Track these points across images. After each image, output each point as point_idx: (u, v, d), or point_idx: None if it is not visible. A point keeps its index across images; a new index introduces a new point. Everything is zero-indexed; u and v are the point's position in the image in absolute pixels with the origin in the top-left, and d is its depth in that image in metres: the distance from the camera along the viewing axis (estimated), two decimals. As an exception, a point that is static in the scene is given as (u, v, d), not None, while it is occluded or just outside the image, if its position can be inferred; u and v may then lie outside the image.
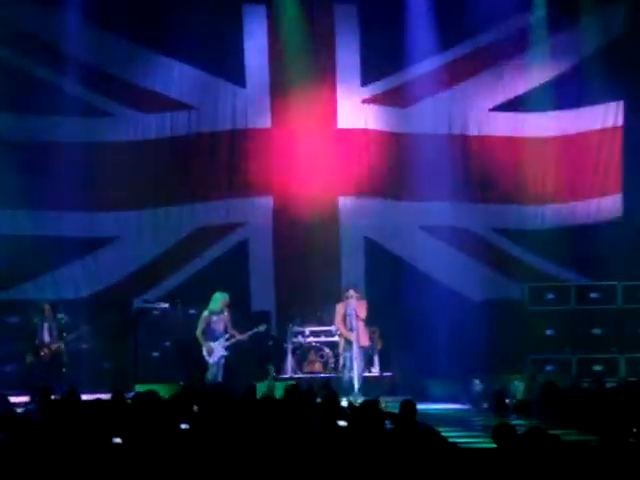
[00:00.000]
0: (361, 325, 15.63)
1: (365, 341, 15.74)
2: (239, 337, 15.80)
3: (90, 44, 18.82)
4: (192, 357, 17.22)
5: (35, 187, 18.51)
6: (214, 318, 15.83)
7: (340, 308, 15.77)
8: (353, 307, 15.55)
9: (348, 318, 15.56)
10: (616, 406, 12.34)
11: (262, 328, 16.24)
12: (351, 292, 15.66)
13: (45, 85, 18.60)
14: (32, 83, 18.53)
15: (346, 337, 15.61)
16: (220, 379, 15.57)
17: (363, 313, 15.61)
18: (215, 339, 15.74)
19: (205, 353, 15.75)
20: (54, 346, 15.95)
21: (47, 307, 16.25)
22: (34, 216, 18.70)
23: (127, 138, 19.20)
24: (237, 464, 6.53)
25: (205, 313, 15.87)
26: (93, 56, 18.85)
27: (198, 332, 15.82)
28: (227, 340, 15.74)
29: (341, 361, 16.56)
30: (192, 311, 17.43)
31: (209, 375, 15.61)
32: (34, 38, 18.57)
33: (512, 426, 7.07)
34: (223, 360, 15.76)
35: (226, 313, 15.89)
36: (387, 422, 8.75)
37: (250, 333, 15.93)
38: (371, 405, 8.28)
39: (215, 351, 15.70)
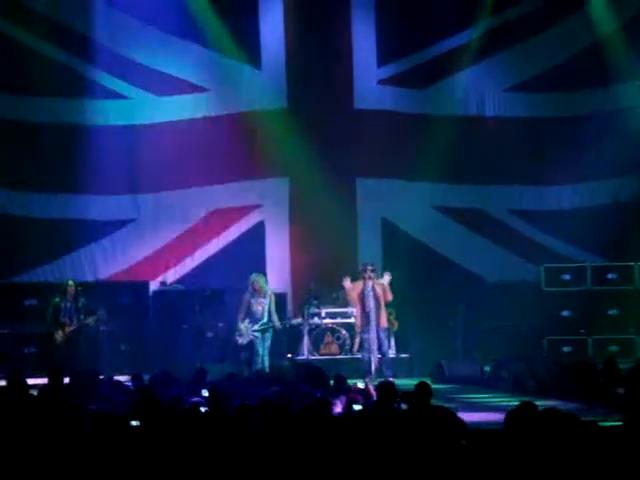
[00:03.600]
0: (382, 306, 15.52)
1: (384, 322, 15.64)
2: (274, 324, 15.64)
3: (105, 27, 18.79)
4: (208, 339, 17.32)
5: (51, 170, 18.55)
6: (252, 301, 15.54)
7: (358, 288, 15.67)
8: (371, 287, 15.48)
9: (365, 299, 15.50)
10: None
11: (295, 322, 16.72)
12: (369, 272, 15.56)
13: (60, 68, 18.58)
14: (48, 66, 18.50)
15: (361, 316, 15.51)
16: (267, 364, 15.35)
17: (387, 294, 15.45)
18: (255, 322, 15.59)
19: (237, 334, 15.65)
20: (70, 328, 15.98)
21: (72, 286, 16.22)
22: (51, 199, 18.74)
23: (143, 121, 19.19)
24: (252, 447, 6.55)
25: (245, 295, 15.77)
26: (108, 39, 18.82)
27: (239, 313, 15.64)
28: (261, 326, 15.58)
29: (358, 342, 16.55)
30: (208, 294, 17.46)
31: (256, 364, 15.30)
32: (50, 20, 18.56)
33: (535, 406, 7.03)
34: (267, 343, 15.59)
35: (268, 297, 15.61)
36: (401, 403, 8.78)
37: (284, 322, 15.97)
38: (386, 387, 8.30)
39: (244, 334, 15.54)
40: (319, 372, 12.45)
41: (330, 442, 6.63)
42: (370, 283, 15.48)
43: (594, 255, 18.87)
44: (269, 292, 15.74)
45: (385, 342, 15.55)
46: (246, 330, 15.47)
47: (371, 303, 15.42)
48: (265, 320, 15.49)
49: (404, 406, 8.93)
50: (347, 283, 15.64)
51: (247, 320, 15.51)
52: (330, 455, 6.31)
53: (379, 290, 15.46)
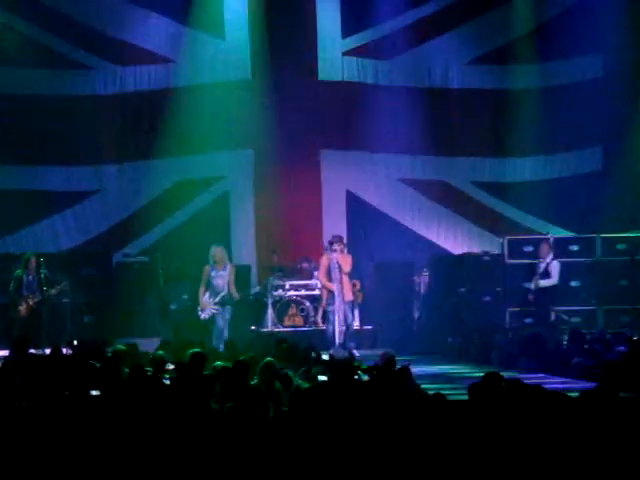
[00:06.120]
0: (345, 279, 15.57)
1: (349, 295, 15.67)
2: (233, 297, 15.46)
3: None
4: (171, 311, 17.27)
5: (13, 141, 18.40)
6: (212, 273, 15.37)
7: (324, 260, 15.72)
8: (336, 260, 15.52)
9: (332, 272, 15.54)
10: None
11: (254, 292, 16.52)
12: (335, 245, 15.60)
13: (21, 37, 18.42)
14: (9, 36, 18.33)
15: (328, 288, 15.57)
16: (226, 334, 15.18)
17: (347, 266, 15.54)
18: (216, 295, 15.46)
19: (199, 309, 15.50)
20: (33, 300, 15.87)
21: (33, 259, 16.10)
22: (13, 170, 18.61)
23: (106, 91, 19.05)
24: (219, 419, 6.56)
25: (205, 267, 15.59)
26: (70, 8, 18.64)
27: (201, 286, 15.50)
28: (221, 298, 15.44)
29: (322, 314, 16.59)
30: (172, 266, 17.41)
31: (214, 340, 15.04)
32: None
33: (500, 377, 7.10)
34: (227, 316, 15.43)
35: (229, 269, 15.45)
36: (361, 374, 8.84)
37: (243, 294, 15.88)
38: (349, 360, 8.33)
39: (206, 308, 15.39)
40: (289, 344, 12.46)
41: (293, 413, 6.66)
42: (335, 256, 15.52)
43: (556, 227, 18.99)
44: (229, 264, 15.65)
45: (349, 314, 15.61)
46: (207, 304, 15.37)
47: (336, 276, 15.47)
48: (225, 292, 15.36)
49: (365, 377, 9.00)
50: (323, 257, 15.76)
51: (208, 294, 15.40)
52: (292, 426, 6.33)
53: (343, 263, 15.52)
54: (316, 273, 17.16)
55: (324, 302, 15.92)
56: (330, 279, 15.50)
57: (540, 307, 16.79)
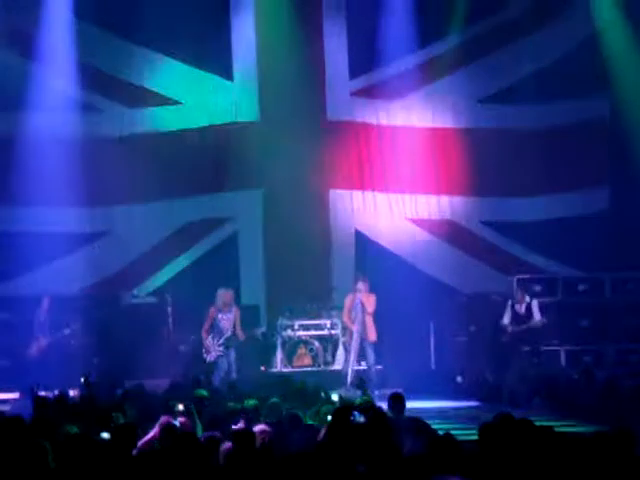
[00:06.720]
0: (369, 319, 15.55)
1: (372, 336, 15.63)
2: (238, 338, 15.51)
3: (76, 38, 18.74)
4: (180, 353, 17.26)
5: (23, 183, 18.47)
6: (219, 315, 15.45)
7: (348, 301, 15.76)
8: (359, 299, 15.53)
9: (353, 311, 15.55)
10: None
11: (258, 332, 16.62)
12: (360, 285, 15.63)
13: (32, 80, 18.54)
14: (18, 78, 18.44)
15: (348, 328, 15.60)
16: (234, 375, 15.24)
17: (371, 306, 15.52)
18: (220, 337, 15.47)
19: (204, 350, 15.53)
20: (44, 341, 15.92)
21: (46, 300, 16.12)
22: (22, 212, 18.66)
23: (115, 133, 19.15)
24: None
25: (211, 308, 15.65)
26: (79, 51, 18.77)
27: (204, 328, 15.58)
28: (225, 340, 15.47)
29: (343, 353, 16.54)
30: (182, 306, 17.42)
31: (216, 379, 15.09)
32: (20, 32, 18.52)
33: (511, 417, 7.08)
34: (232, 355, 15.46)
35: (234, 311, 15.54)
36: (357, 414, 8.82)
37: (247, 335, 15.90)
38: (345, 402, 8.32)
39: (212, 349, 15.41)
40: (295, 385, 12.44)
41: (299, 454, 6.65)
42: (358, 295, 15.54)
43: (566, 266, 18.97)
44: (235, 307, 15.69)
45: (371, 355, 15.59)
46: (212, 346, 15.39)
47: (358, 316, 15.48)
48: (229, 334, 15.41)
49: (361, 419, 8.96)
50: (347, 297, 15.81)
51: (211, 336, 15.43)
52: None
53: (367, 303, 15.53)
54: (323, 312, 17.27)
55: (345, 340, 15.98)
56: (351, 317, 15.53)
57: (533, 344, 16.78)
